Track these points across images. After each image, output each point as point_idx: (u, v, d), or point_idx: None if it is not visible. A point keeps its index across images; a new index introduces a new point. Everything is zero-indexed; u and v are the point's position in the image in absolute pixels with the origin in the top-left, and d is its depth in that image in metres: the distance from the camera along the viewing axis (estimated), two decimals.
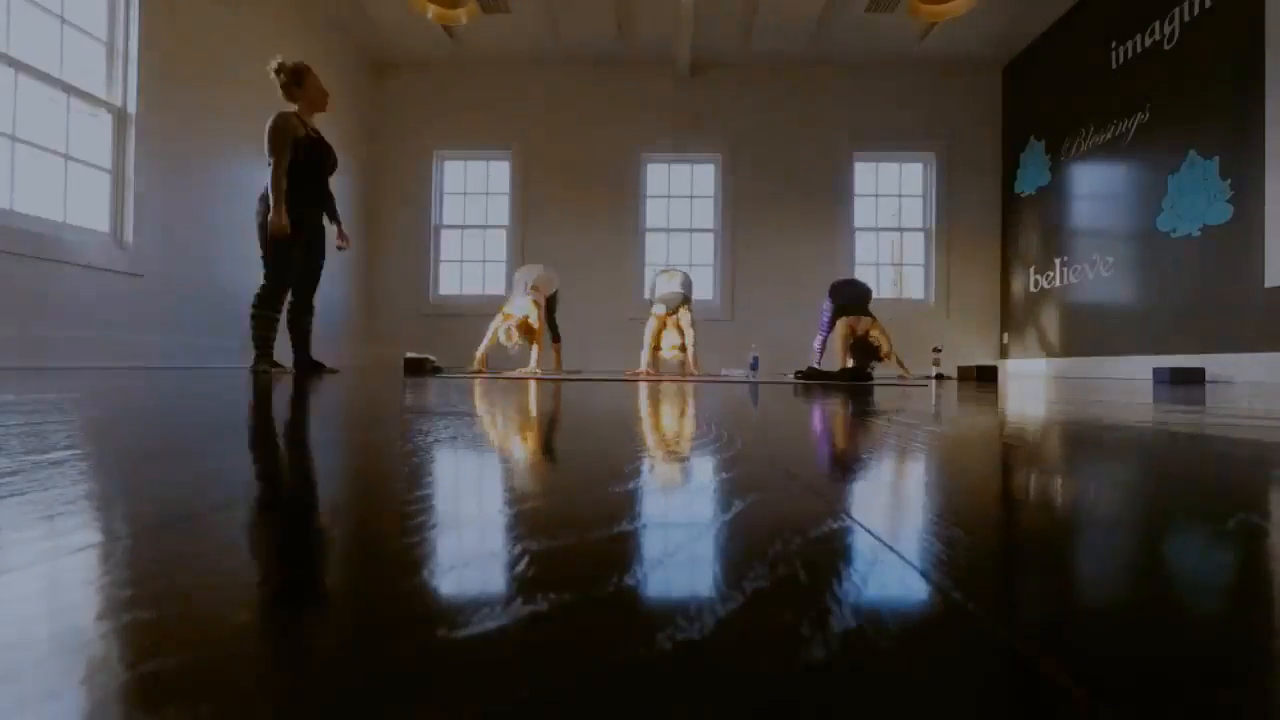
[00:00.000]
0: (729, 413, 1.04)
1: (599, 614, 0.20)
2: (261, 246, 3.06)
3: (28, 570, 0.23)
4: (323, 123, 5.20)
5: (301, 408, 1.02)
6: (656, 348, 3.99)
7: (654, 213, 6.14)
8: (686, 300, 4.01)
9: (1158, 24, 4.13)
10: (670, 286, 4.04)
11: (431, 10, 3.92)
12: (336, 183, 5.45)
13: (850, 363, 3.89)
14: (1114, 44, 4.52)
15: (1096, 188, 4.73)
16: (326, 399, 1.24)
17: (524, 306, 3.75)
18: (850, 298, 4.16)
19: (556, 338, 4.27)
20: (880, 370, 4.30)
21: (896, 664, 0.17)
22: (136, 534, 0.28)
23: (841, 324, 4.01)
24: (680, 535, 0.30)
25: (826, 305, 4.28)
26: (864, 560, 0.26)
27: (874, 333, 3.94)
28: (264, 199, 3.06)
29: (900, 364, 4.11)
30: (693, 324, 3.99)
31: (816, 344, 4.33)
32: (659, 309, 3.98)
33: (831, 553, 0.27)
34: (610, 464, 0.50)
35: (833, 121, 6.03)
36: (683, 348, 3.96)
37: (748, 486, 0.41)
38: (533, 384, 2.26)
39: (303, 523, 0.31)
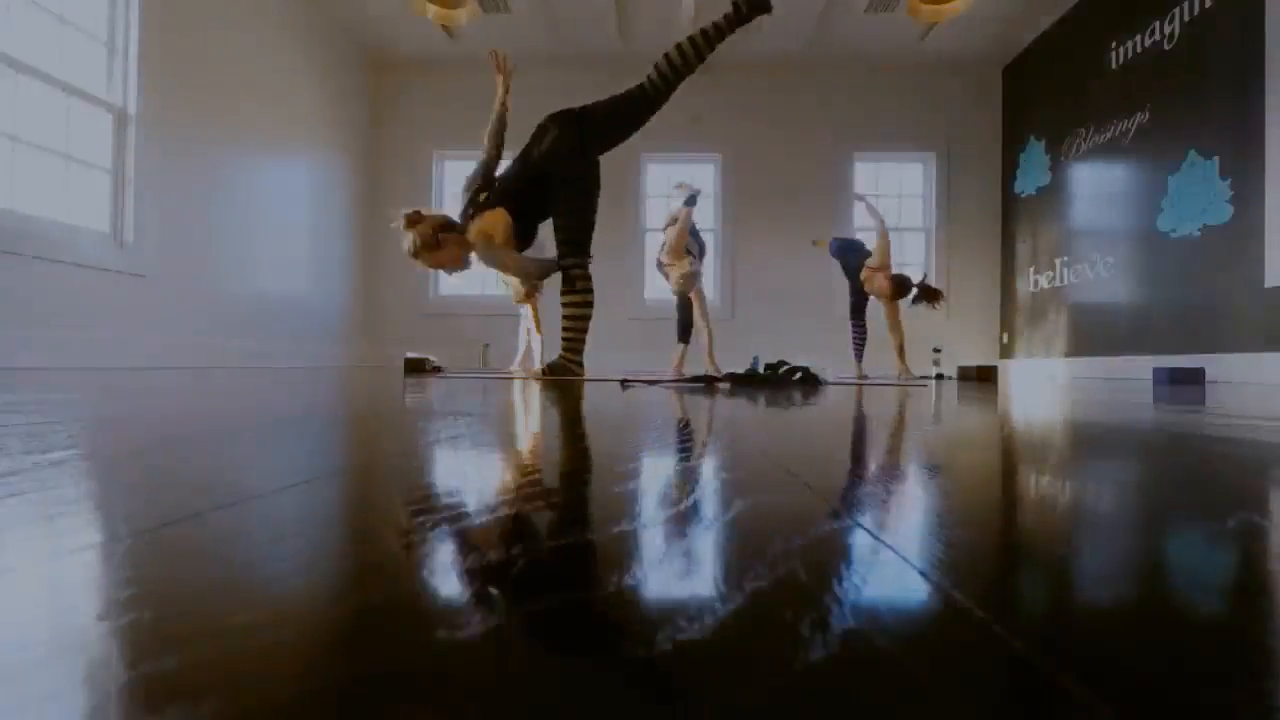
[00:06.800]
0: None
1: (600, 612, 0.20)
2: None
3: (27, 570, 0.23)
4: (322, 123, 5.21)
5: (299, 409, 1.02)
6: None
7: (654, 213, 6.13)
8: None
9: (1158, 24, 4.13)
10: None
11: (431, 10, 3.92)
12: (337, 182, 5.46)
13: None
14: (1114, 44, 4.52)
15: (1096, 188, 4.73)
16: (338, 399, 1.24)
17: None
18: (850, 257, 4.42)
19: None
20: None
21: (896, 663, 0.17)
22: (136, 534, 0.28)
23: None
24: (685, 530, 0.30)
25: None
26: (863, 558, 0.26)
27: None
28: None
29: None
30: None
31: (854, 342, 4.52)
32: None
33: (831, 551, 0.27)
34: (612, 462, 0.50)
35: (833, 121, 6.02)
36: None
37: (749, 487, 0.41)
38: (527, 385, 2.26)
39: (303, 521, 0.31)
